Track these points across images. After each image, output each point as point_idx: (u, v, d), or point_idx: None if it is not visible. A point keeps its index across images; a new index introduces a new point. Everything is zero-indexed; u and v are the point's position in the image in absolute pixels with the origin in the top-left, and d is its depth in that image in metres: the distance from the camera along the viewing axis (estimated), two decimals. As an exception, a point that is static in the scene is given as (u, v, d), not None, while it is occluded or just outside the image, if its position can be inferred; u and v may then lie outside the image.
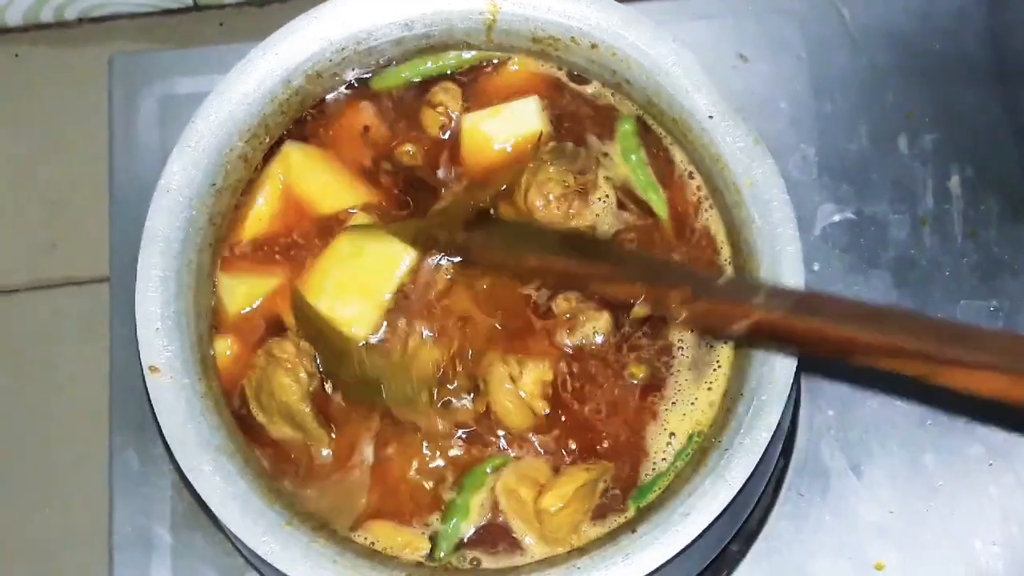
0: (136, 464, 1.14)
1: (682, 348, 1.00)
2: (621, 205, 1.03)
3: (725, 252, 1.01)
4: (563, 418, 0.98)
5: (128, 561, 1.12)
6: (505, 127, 1.06)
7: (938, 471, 1.13)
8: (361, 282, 1.00)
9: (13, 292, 1.42)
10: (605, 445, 0.98)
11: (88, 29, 1.58)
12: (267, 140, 1.04)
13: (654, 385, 0.99)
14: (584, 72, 1.06)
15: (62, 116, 1.47)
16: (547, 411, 0.98)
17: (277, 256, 1.03)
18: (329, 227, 1.03)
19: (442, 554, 0.95)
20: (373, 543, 0.95)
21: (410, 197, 1.04)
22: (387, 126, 1.06)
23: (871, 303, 0.91)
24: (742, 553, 1.12)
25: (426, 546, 0.96)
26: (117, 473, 1.14)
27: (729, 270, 1.00)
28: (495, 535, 0.96)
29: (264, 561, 0.90)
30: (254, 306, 1.02)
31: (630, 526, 0.93)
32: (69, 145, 1.44)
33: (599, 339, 0.99)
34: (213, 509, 0.91)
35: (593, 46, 1.03)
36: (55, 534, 1.27)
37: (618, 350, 1.00)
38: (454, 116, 1.06)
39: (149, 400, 0.94)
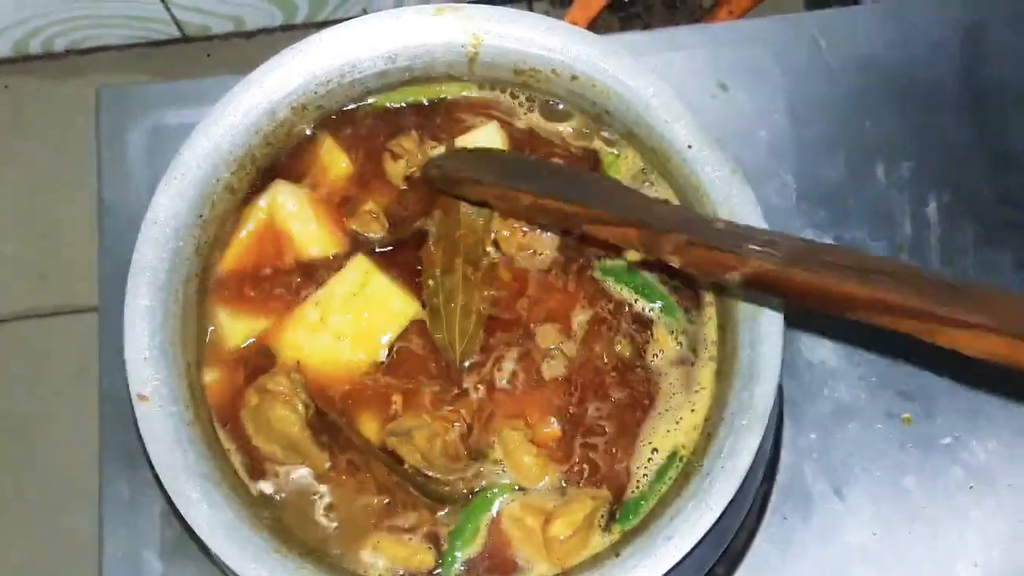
0: (126, 492, 1.15)
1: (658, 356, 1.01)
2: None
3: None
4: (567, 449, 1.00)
5: (118, 588, 1.12)
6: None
7: (920, 494, 1.14)
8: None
9: (3, 322, 1.43)
10: (599, 464, 0.99)
11: (76, 61, 1.60)
12: (253, 171, 1.05)
13: (641, 401, 1.01)
14: (564, 103, 1.07)
15: (51, 147, 1.49)
16: (563, 468, 0.99)
17: (271, 294, 1.04)
18: (313, 270, 1.05)
19: None
20: (374, 568, 0.97)
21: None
22: (356, 165, 1.08)
23: (870, 254, 0.88)
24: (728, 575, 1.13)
25: (431, 560, 0.97)
26: (107, 500, 1.15)
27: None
28: (496, 562, 0.97)
29: (252, 588, 0.91)
30: (248, 343, 1.03)
31: (614, 550, 0.94)
32: (58, 176, 1.46)
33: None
34: (201, 536, 0.92)
35: (573, 78, 1.04)
36: (45, 561, 1.28)
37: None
38: (419, 159, 1.07)
39: (137, 430, 0.95)
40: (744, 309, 0.96)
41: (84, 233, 1.32)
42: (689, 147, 1.00)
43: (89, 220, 1.27)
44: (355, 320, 1.02)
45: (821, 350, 1.18)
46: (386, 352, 1.02)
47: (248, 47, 1.57)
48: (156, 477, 0.95)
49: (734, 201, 0.98)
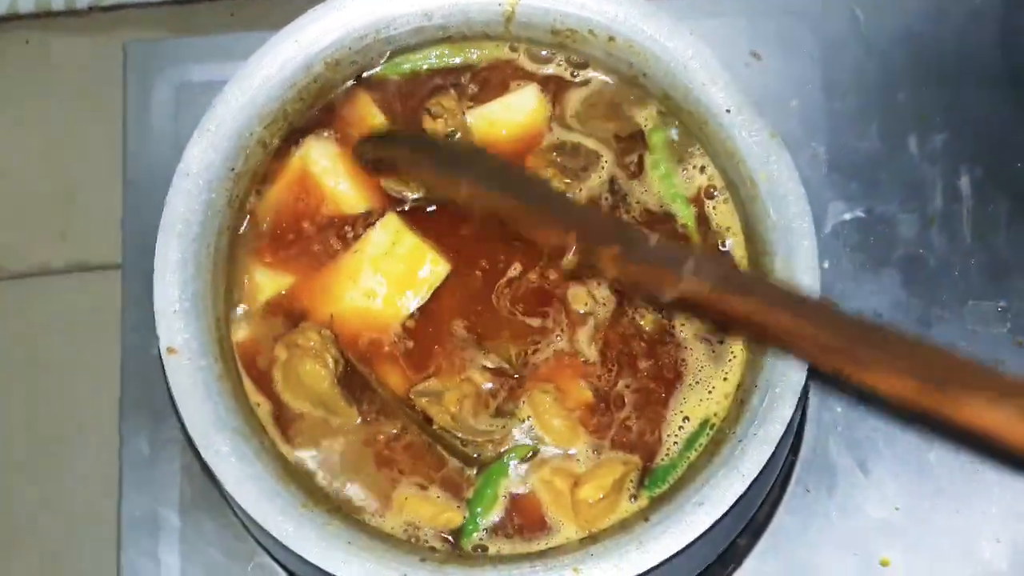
0: (146, 448, 1.14)
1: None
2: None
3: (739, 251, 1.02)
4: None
5: (136, 544, 1.12)
6: (511, 116, 1.07)
7: (944, 469, 1.13)
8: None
9: (23, 278, 1.42)
10: (629, 430, 0.99)
11: (98, 17, 1.59)
12: (286, 126, 1.05)
13: (674, 369, 1.00)
14: (601, 65, 1.06)
15: (72, 103, 1.48)
16: (593, 433, 0.99)
17: (302, 249, 1.04)
18: (345, 227, 1.04)
19: (465, 541, 0.96)
20: (400, 525, 0.96)
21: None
22: (392, 123, 1.07)
23: (800, 292, 0.91)
24: (749, 547, 1.12)
25: (458, 519, 0.96)
26: (127, 457, 1.14)
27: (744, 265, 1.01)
28: (525, 522, 0.97)
29: (278, 542, 0.91)
30: (278, 298, 1.02)
31: (643, 515, 0.94)
32: (79, 133, 1.45)
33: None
34: (228, 490, 0.91)
35: (611, 39, 1.03)
36: (65, 517, 1.27)
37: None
38: (459, 117, 1.06)
39: (167, 382, 0.95)
40: (782, 275, 0.95)
41: (106, 190, 1.31)
42: (727, 111, 0.99)
43: (110, 178, 1.27)
44: (386, 279, 1.02)
45: (848, 323, 1.17)
46: (417, 311, 1.01)
47: (271, 5, 1.54)
48: (184, 431, 0.95)
49: (772, 167, 0.97)
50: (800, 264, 0.95)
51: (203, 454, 0.92)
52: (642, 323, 1.01)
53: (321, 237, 1.04)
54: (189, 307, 0.96)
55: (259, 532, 0.96)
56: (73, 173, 1.45)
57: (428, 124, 1.06)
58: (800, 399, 0.93)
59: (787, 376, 0.93)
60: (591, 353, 1.00)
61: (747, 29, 1.24)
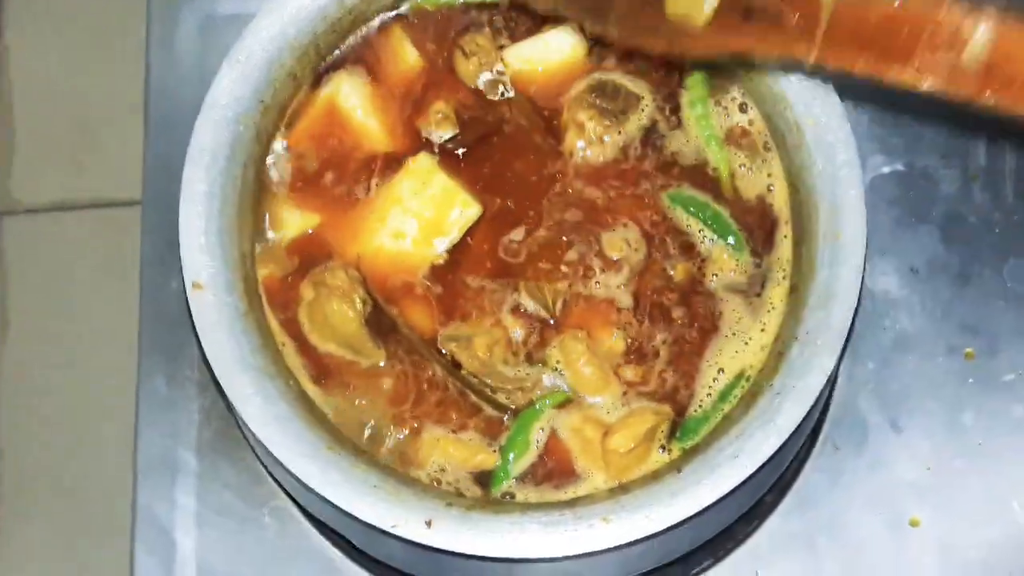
0: (164, 388, 1.13)
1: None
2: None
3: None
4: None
5: (152, 484, 1.10)
6: (548, 55, 1.04)
7: (977, 430, 1.11)
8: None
9: (37, 212, 1.40)
10: (663, 380, 0.97)
11: (121, -54, 1.56)
12: (317, 59, 1.02)
13: (711, 320, 0.98)
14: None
15: (92, 33, 1.45)
16: (625, 382, 0.97)
17: (329, 187, 1.01)
18: (375, 165, 1.02)
19: (495, 488, 0.94)
20: (428, 469, 0.95)
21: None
22: (426, 61, 1.04)
23: None
24: (774, 504, 1.10)
25: (491, 461, 0.95)
26: (144, 396, 1.13)
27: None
28: (554, 470, 0.95)
29: (302, 484, 0.89)
30: (305, 235, 1.00)
31: (674, 466, 0.91)
32: (99, 65, 1.43)
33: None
34: (253, 430, 0.89)
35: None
36: (81, 456, 1.26)
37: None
38: (494, 55, 1.04)
39: (191, 319, 0.93)
40: (826, 224, 0.93)
41: (125, 124, 1.28)
42: (775, 54, 0.96)
43: (130, 112, 1.24)
44: (415, 220, 0.99)
45: (884, 279, 1.15)
46: (447, 253, 0.99)
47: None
48: (208, 370, 0.93)
49: (818, 112, 0.95)
50: (846, 214, 0.93)
51: (227, 393, 0.90)
52: (672, 273, 0.99)
53: (350, 176, 1.01)
54: (215, 242, 0.94)
55: (282, 474, 0.94)
56: (92, 106, 1.43)
57: (460, 63, 1.03)
58: (842, 351, 0.91)
59: (830, 327, 0.90)
60: (625, 300, 0.98)
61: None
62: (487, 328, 0.97)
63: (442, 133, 1.02)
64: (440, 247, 0.99)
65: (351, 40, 1.04)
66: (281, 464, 0.89)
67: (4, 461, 1.23)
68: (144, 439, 1.12)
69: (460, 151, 1.02)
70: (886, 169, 1.17)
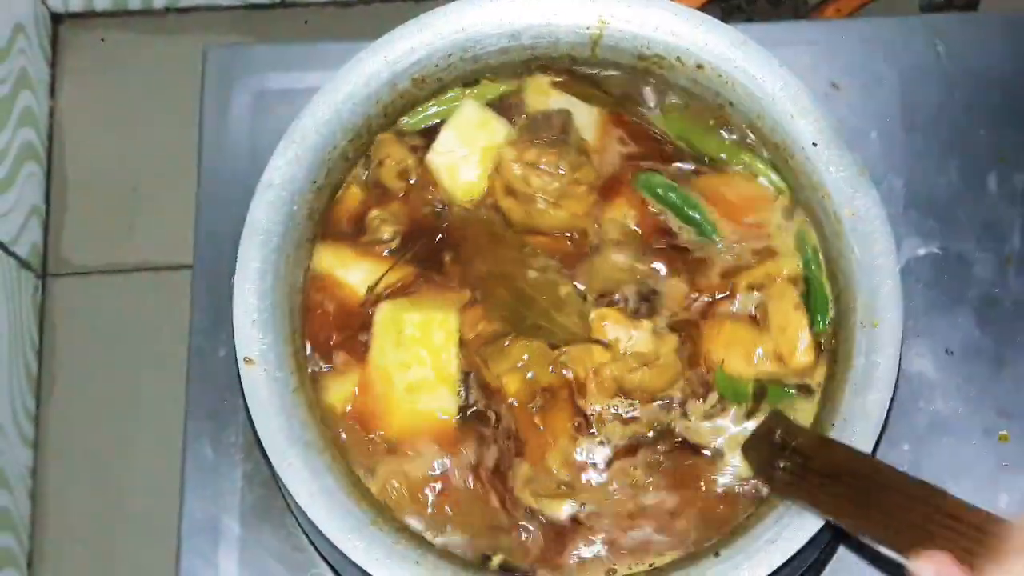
0: (209, 453, 1.14)
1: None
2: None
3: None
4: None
5: (196, 549, 1.11)
6: (470, 138, 1.05)
7: (1013, 514, 1.11)
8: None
9: (87, 274, 1.43)
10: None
11: (174, 19, 1.60)
12: (368, 141, 1.05)
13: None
14: (685, 93, 1.06)
15: (146, 103, 1.49)
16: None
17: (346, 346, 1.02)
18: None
19: None
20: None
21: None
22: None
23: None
24: (808, 582, 1.11)
25: None
26: (190, 461, 1.14)
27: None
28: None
29: (346, 559, 0.91)
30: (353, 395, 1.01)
31: (713, 549, 0.93)
32: (152, 133, 1.46)
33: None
34: (300, 503, 0.91)
35: (699, 67, 1.03)
36: (125, 518, 1.28)
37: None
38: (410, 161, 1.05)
39: (242, 393, 0.95)
40: (863, 313, 0.95)
41: (175, 191, 1.31)
42: (814, 144, 0.98)
43: (181, 179, 1.27)
44: (415, 366, 0.99)
45: (919, 361, 1.15)
46: (462, 386, 1.00)
47: (345, 16, 1.55)
48: (257, 442, 0.94)
49: (858, 203, 0.96)
50: (883, 302, 0.94)
51: (276, 466, 0.92)
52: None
53: (354, 339, 1.02)
54: (267, 318, 0.96)
55: (326, 547, 0.96)
56: (144, 171, 1.46)
57: (379, 174, 1.04)
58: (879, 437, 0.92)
59: (867, 416, 0.93)
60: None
61: (827, 59, 1.23)
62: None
63: (386, 234, 1.02)
64: (453, 378, 0.99)
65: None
66: (327, 539, 0.91)
67: (48, 521, 1.25)
68: (189, 503, 1.13)
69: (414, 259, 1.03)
70: (921, 251, 1.18)
